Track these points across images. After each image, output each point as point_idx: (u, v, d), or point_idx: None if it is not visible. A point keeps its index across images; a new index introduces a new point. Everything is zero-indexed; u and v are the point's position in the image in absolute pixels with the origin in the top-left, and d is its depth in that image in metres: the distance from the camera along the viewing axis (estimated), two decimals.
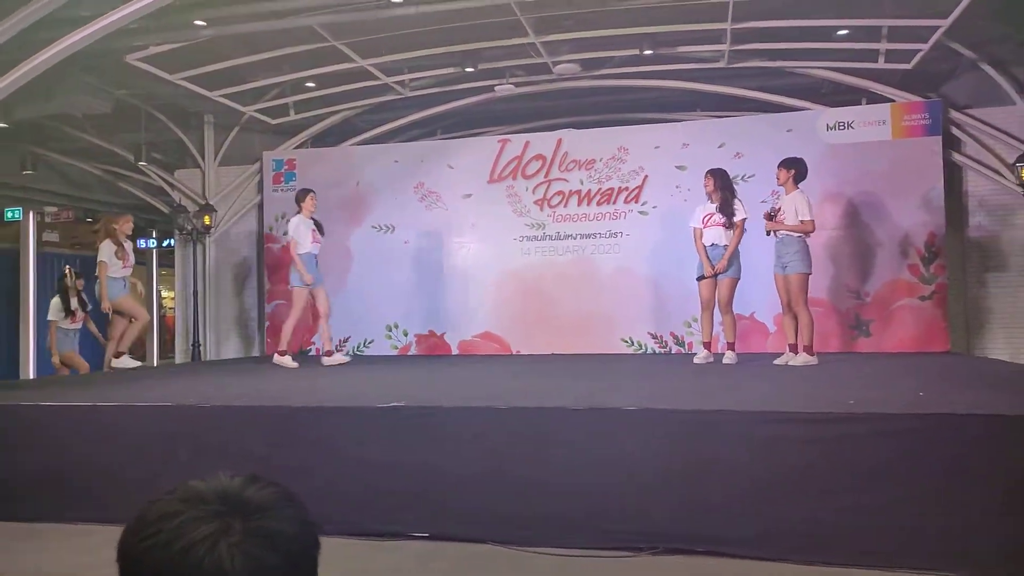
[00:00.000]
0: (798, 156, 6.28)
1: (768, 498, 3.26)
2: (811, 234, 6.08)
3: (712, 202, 6.31)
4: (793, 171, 6.10)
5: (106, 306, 7.02)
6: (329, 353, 7.06)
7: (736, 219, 6.22)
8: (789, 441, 3.31)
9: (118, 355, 7.22)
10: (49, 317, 7.90)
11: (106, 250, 7.02)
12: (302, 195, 7.01)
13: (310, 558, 0.84)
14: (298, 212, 6.93)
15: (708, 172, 6.43)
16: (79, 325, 8.04)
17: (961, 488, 3.10)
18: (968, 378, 5.06)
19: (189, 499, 0.80)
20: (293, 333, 7.18)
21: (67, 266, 8.08)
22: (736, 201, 6.27)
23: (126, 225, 7.29)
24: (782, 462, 3.28)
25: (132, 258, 7.29)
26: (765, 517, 3.24)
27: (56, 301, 8.01)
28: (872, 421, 3.29)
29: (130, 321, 7.21)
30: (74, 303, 8.02)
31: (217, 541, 0.76)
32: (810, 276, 6.13)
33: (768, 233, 6.12)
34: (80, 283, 7.89)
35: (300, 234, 6.78)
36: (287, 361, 6.85)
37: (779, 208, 6.07)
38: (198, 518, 0.78)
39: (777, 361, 6.15)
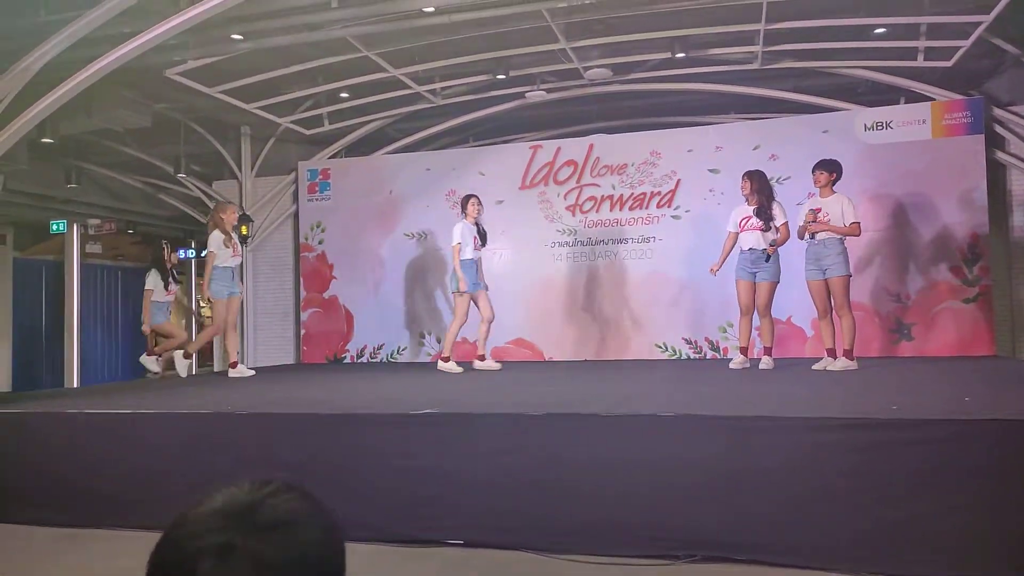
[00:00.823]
0: (834, 158, 6.17)
1: (810, 506, 3.19)
2: (858, 237, 6.01)
3: (749, 204, 6.23)
4: (834, 174, 6.01)
5: (207, 295, 6.97)
6: (482, 357, 6.95)
7: (777, 223, 6.10)
8: (831, 447, 3.24)
9: (187, 355, 7.43)
10: (148, 286, 7.76)
11: (215, 240, 6.94)
12: (465, 200, 6.98)
13: (334, 567, 0.84)
14: (462, 218, 6.90)
15: (745, 174, 6.34)
16: (172, 298, 7.92)
17: (1008, 494, 3.00)
18: (1014, 382, 4.91)
19: (196, 521, 0.81)
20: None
21: (164, 240, 8.06)
22: (775, 204, 6.17)
23: (232, 215, 7.14)
24: (824, 469, 3.22)
25: (240, 248, 7.19)
26: (806, 525, 3.18)
27: (154, 273, 7.90)
28: (916, 427, 3.21)
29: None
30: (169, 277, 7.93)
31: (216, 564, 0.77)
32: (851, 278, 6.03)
33: (801, 237, 5.98)
34: (175, 257, 7.88)
35: (464, 239, 6.75)
36: (451, 367, 6.79)
37: (818, 210, 5.94)
38: (200, 548, 0.79)
39: (816, 366, 6.04)
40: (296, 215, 9.60)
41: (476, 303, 6.83)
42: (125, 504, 4.06)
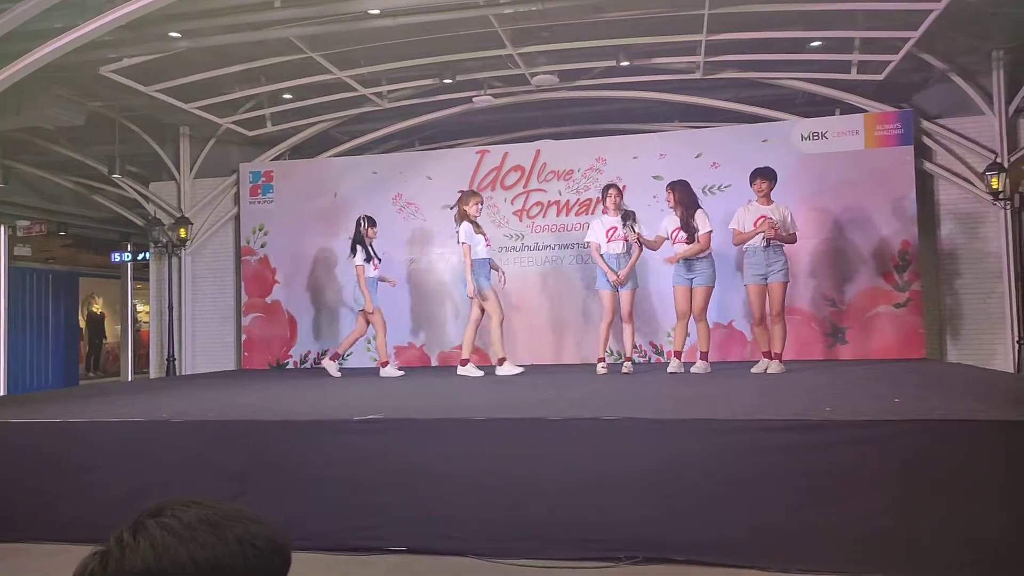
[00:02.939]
0: (768, 166, 6.31)
1: (747, 505, 3.26)
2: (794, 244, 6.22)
3: (675, 215, 6.30)
4: (774, 182, 6.17)
5: (471, 291, 6.62)
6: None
7: (700, 232, 6.16)
8: (767, 448, 3.32)
9: (384, 364, 7.14)
10: (356, 262, 7.14)
11: (466, 231, 6.62)
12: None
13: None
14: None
15: (668, 185, 6.45)
16: (378, 274, 7.34)
17: (937, 494, 3.12)
18: (943, 384, 5.12)
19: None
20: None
21: (362, 216, 7.32)
22: (699, 213, 6.22)
23: (475, 206, 6.75)
24: (761, 470, 3.29)
25: (487, 240, 6.79)
26: (744, 525, 3.25)
27: (361, 250, 7.18)
28: (850, 428, 3.31)
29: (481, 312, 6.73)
30: (372, 250, 7.27)
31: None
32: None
33: (768, 244, 6.03)
34: (373, 232, 7.24)
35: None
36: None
37: (765, 218, 6.04)
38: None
39: (755, 369, 6.18)
40: (237, 218, 9.40)
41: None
42: (55, 516, 3.90)
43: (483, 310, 6.73)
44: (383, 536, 3.55)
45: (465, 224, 6.65)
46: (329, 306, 8.95)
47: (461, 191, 7.15)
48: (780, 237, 6.01)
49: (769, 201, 6.14)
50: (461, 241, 6.67)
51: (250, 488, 3.70)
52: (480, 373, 6.65)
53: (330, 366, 7.39)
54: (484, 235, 6.74)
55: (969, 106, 7.80)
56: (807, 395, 4.64)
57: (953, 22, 6.50)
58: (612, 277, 6.36)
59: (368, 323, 7.26)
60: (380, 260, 7.37)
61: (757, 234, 6.00)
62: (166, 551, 0.81)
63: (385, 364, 7.18)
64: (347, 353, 7.79)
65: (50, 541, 3.77)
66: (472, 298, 6.69)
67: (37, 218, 11.37)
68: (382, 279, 7.40)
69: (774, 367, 6.07)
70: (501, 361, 6.67)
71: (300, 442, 3.83)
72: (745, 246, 6.14)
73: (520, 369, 6.67)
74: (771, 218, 6.01)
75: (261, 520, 0.88)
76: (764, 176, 6.16)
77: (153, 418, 4.20)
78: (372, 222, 7.31)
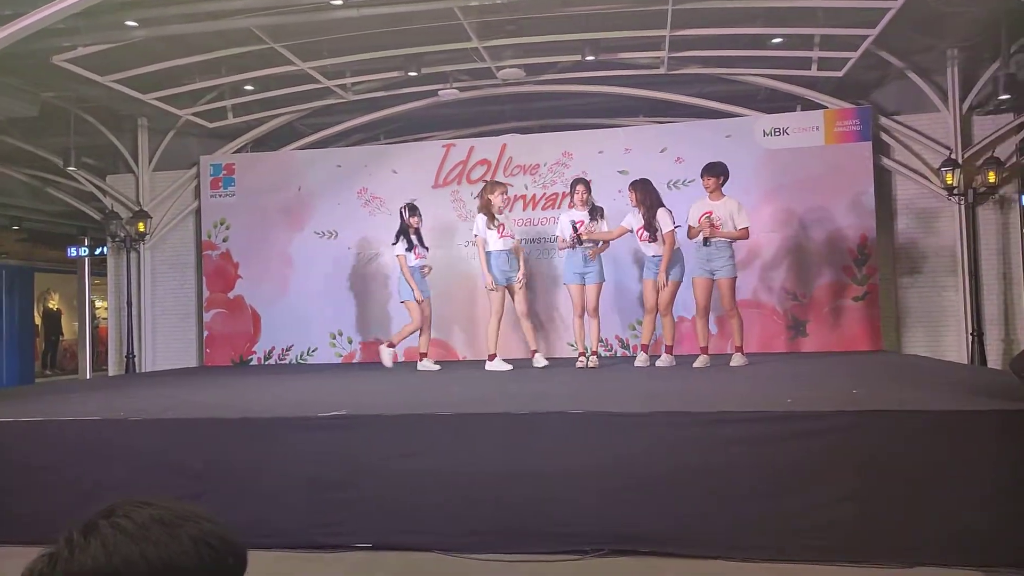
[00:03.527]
0: (720, 161, 6.34)
1: (710, 498, 3.30)
2: (747, 240, 6.26)
3: (638, 213, 6.32)
4: (721, 177, 6.19)
5: (489, 283, 6.48)
6: (491, 357, 6.65)
7: (663, 231, 6.19)
8: (729, 441, 3.36)
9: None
10: (396, 251, 6.96)
11: (478, 223, 6.49)
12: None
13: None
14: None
15: (630, 185, 6.46)
16: (421, 262, 7.05)
17: (895, 483, 3.19)
18: (900, 376, 5.24)
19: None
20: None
21: (405, 205, 7.08)
22: (661, 211, 6.24)
23: (500, 196, 6.54)
24: (723, 462, 3.33)
25: (507, 230, 6.58)
26: (708, 516, 3.29)
27: (402, 240, 6.96)
28: (810, 419, 3.37)
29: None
30: (414, 239, 7.00)
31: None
32: None
33: (693, 238, 6.10)
34: (415, 220, 6.97)
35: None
36: (498, 365, 6.53)
37: (710, 213, 6.10)
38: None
39: (696, 364, 6.17)
40: (198, 211, 9.22)
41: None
42: (8, 517, 3.79)
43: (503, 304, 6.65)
44: (348, 532, 3.52)
45: (479, 216, 6.59)
46: (295, 300, 8.83)
47: (486, 181, 7.06)
48: (724, 234, 6.05)
49: (720, 196, 6.18)
50: (474, 234, 6.65)
51: (211, 487, 3.64)
52: (509, 367, 6.55)
53: (385, 353, 7.08)
54: (501, 227, 6.53)
55: (925, 103, 7.97)
56: (770, 387, 4.71)
57: (910, 21, 6.63)
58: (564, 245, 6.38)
59: (423, 313, 6.97)
60: (427, 248, 7.12)
61: (699, 232, 6.05)
62: (117, 550, 0.79)
63: (493, 357, 6.79)
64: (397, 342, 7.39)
65: (2, 543, 3.67)
66: (492, 290, 6.54)
67: None
68: (422, 268, 7.08)
69: (737, 359, 6.15)
70: (491, 357, 6.65)
71: (262, 440, 3.78)
72: (693, 241, 6.20)
73: (509, 367, 6.59)
74: (713, 215, 6.06)
75: (216, 520, 0.87)
76: (710, 172, 6.20)
77: (111, 416, 4.11)
78: (413, 210, 7.06)
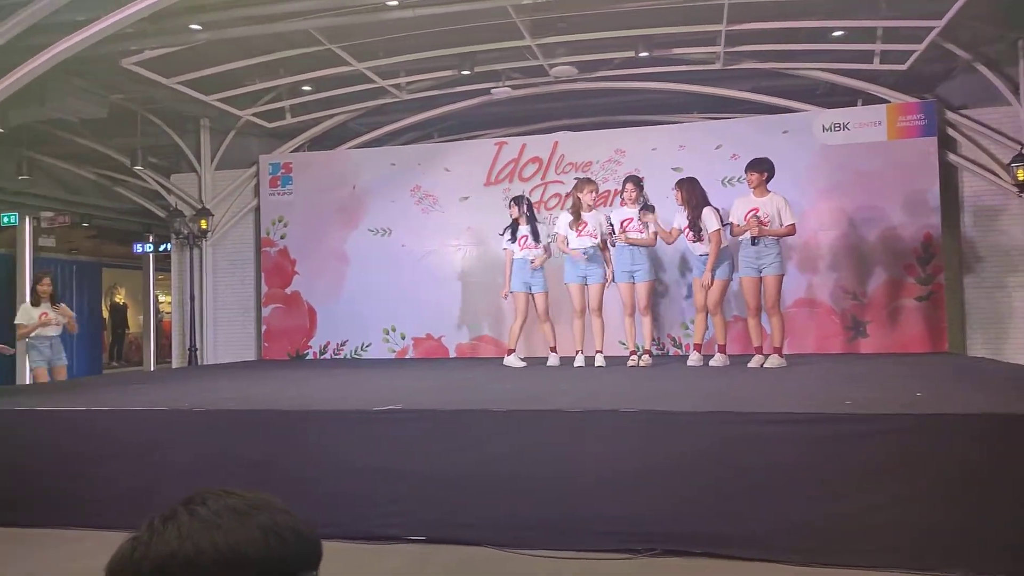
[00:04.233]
0: (766, 157, 6.15)
1: (765, 499, 3.25)
2: (794, 236, 6.13)
3: (685, 213, 6.25)
4: (766, 173, 6.01)
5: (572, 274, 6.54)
6: (509, 352, 6.92)
7: (709, 230, 6.12)
8: (787, 442, 3.30)
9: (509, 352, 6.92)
10: (505, 246, 6.96)
11: (560, 221, 6.53)
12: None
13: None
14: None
15: (675, 184, 6.40)
16: (525, 255, 6.83)
17: (959, 488, 3.10)
18: (965, 378, 5.07)
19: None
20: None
21: (517, 197, 7.07)
22: (707, 210, 6.15)
23: (589, 194, 6.49)
24: (780, 463, 3.28)
25: (588, 229, 6.46)
26: (762, 518, 3.24)
27: (508, 231, 6.93)
28: (869, 421, 3.29)
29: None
30: (524, 231, 6.85)
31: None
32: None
33: (755, 241, 5.95)
34: (517, 211, 6.83)
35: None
36: (599, 360, 6.59)
37: (756, 210, 5.97)
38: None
39: (751, 364, 6.07)
40: (258, 209, 9.46)
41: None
42: (77, 503, 3.96)
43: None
44: (402, 525, 3.58)
45: (563, 214, 6.62)
46: (349, 297, 8.99)
47: (577, 178, 7.14)
48: (772, 232, 5.90)
49: (765, 192, 6.02)
50: (555, 232, 6.73)
51: (270, 477, 3.74)
52: (523, 363, 6.71)
53: (511, 360, 6.93)
54: (583, 224, 6.45)
55: (994, 96, 7.66)
56: (827, 388, 4.61)
57: (978, 11, 6.39)
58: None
59: (533, 308, 6.95)
60: (536, 240, 6.84)
61: (745, 231, 5.94)
62: (189, 536, 0.84)
63: (511, 352, 6.92)
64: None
65: (75, 527, 3.84)
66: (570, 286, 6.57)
67: (61, 209, 11.51)
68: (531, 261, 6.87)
69: (773, 361, 5.98)
70: (509, 352, 6.82)
71: (320, 432, 3.87)
72: (739, 239, 6.08)
73: (523, 364, 6.78)
74: (760, 211, 5.91)
75: (291, 512, 0.90)
76: (755, 168, 6.02)
77: (176, 407, 4.26)
78: (518, 201, 6.98)
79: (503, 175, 8.61)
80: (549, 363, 6.84)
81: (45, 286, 7.19)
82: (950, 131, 7.81)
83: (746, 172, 6.11)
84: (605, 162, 8.36)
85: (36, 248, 12.22)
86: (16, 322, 7.25)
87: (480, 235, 8.61)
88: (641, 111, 9.11)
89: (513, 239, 6.87)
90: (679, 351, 7.98)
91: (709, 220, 6.12)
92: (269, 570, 0.85)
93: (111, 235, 14.01)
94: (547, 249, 6.93)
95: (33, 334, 7.11)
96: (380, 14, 6.42)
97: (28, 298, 7.45)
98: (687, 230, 6.24)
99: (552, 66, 7.86)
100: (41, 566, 3.49)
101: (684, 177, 6.40)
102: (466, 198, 8.67)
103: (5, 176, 10.07)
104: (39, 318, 7.00)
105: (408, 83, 8.44)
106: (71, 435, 4.16)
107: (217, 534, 0.84)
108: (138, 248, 12.70)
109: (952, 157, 7.80)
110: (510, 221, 6.97)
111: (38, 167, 10.31)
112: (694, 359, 6.42)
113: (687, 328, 7.89)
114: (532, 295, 6.82)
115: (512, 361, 6.83)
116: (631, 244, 6.38)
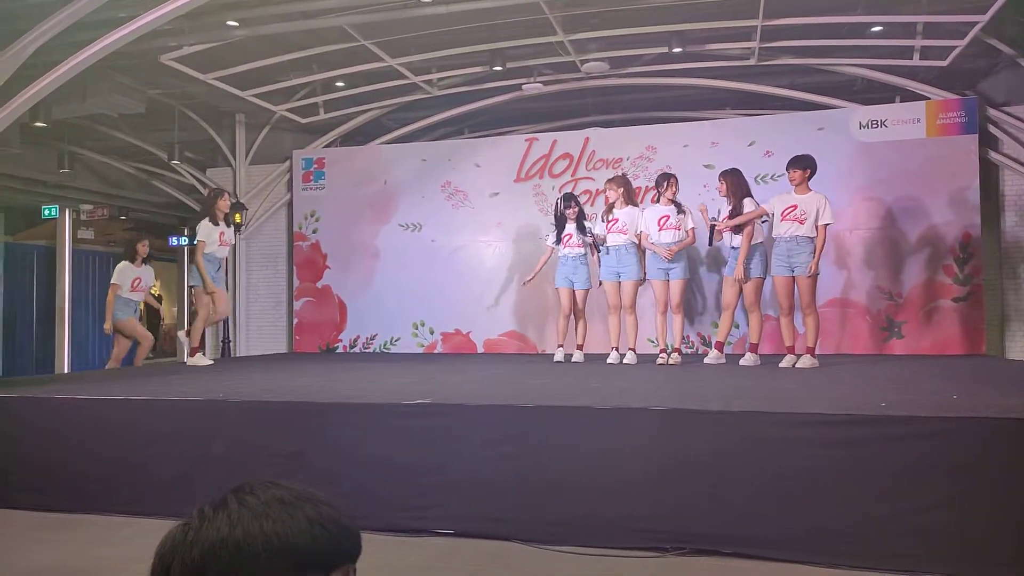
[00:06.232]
0: (808, 154, 6.04)
1: (798, 501, 3.22)
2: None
3: (728, 205, 6.24)
4: (808, 170, 5.89)
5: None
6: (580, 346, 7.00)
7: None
8: (819, 443, 3.26)
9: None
10: (548, 242, 7.05)
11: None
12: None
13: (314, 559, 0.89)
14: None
15: (720, 174, 6.38)
16: (568, 252, 6.90)
17: (997, 493, 3.03)
18: (1002, 381, 4.95)
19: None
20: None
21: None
22: (747, 201, 6.13)
23: (612, 192, 6.56)
24: (813, 464, 3.24)
25: (619, 225, 6.50)
26: (794, 519, 3.20)
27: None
28: (904, 424, 3.23)
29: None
30: (570, 228, 6.86)
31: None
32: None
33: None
34: (567, 210, 6.84)
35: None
36: (630, 357, 6.61)
37: (795, 207, 5.88)
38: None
39: (783, 364, 6.00)
40: (290, 204, 9.58)
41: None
42: (112, 490, 4.06)
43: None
44: (431, 518, 3.61)
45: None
46: (379, 291, 9.06)
47: (615, 174, 7.15)
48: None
49: (806, 190, 5.90)
50: (589, 228, 6.80)
51: (303, 468, 3.79)
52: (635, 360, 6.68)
53: (560, 354, 6.96)
54: (614, 221, 6.47)
55: None
56: (861, 389, 4.54)
57: (1022, 5, 6.23)
58: (664, 252, 6.30)
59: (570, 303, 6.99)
60: (584, 235, 6.83)
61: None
62: (239, 524, 0.87)
63: (579, 348, 7.01)
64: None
65: (117, 514, 3.93)
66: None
67: (100, 202, 11.76)
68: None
69: (805, 361, 5.89)
70: (632, 349, 6.73)
71: (351, 425, 3.91)
72: (775, 236, 5.99)
73: (562, 358, 6.85)
74: (798, 209, 5.81)
75: (334, 505, 0.93)
76: (797, 165, 5.91)
77: (210, 398, 4.33)
78: (567, 200, 6.97)
79: (533, 171, 8.60)
80: (574, 359, 6.83)
81: (144, 247, 7.61)
82: (991, 128, 7.64)
83: (788, 169, 6.00)
84: (636, 158, 8.32)
85: (75, 240, 12.50)
86: (113, 282, 7.48)
87: (510, 231, 8.62)
88: (673, 107, 9.05)
89: (558, 239, 6.91)
90: (708, 349, 7.91)
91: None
92: (313, 561, 0.88)
93: (147, 228, 14.24)
94: (594, 247, 6.82)
95: (127, 292, 7.41)
96: (413, 10, 6.46)
97: (126, 259, 7.64)
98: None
99: (584, 62, 7.83)
100: (78, 550, 3.58)
101: (728, 168, 6.37)
102: (496, 194, 8.69)
103: (46, 170, 10.31)
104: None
105: (440, 79, 8.48)
106: (111, 423, 4.26)
107: (266, 523, 0.87)
108: (173, 241, 12.91)
109: (993, 155, 7.62)
110: (555, 217, 7.03)
111: (78, 161, 10.54)
112: (712, 357, 6.37)
113: (716, 326, 7.81)
114: (574, 291, 6.87)
115: (560, 356, 6.89)
116: (656, 250, 6.35)
